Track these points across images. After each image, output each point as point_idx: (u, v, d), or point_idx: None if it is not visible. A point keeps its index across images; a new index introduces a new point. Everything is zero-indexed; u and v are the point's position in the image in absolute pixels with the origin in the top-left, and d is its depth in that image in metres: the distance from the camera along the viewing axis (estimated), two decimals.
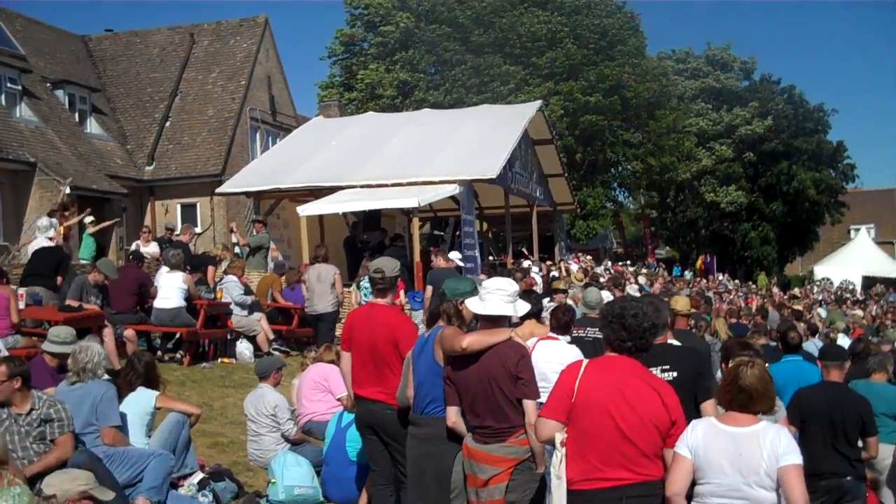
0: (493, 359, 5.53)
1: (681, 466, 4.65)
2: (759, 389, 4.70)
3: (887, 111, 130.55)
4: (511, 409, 5.47)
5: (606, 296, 11.80)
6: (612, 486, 4.63)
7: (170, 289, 13.20)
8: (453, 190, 19.47)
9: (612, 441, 4.64)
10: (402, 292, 11.11)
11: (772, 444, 4.55)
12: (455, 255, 16.75)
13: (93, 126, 30.44)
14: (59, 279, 12.80)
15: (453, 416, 5.79)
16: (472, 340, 5.58)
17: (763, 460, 4.53)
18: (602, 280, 21.33)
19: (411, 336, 6.64)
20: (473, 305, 5.85)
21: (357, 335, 6.84)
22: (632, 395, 4.68)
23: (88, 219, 17.93)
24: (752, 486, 4.54)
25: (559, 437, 4.76)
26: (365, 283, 15.92)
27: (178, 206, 30.12)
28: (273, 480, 8.01)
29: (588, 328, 9.19)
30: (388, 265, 7.07)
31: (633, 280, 24.81)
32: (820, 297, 35.08)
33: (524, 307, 6.00)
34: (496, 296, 5.71)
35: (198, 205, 29.90)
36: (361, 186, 19.52)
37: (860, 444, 7.00)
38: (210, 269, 15.96)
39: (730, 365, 4.88)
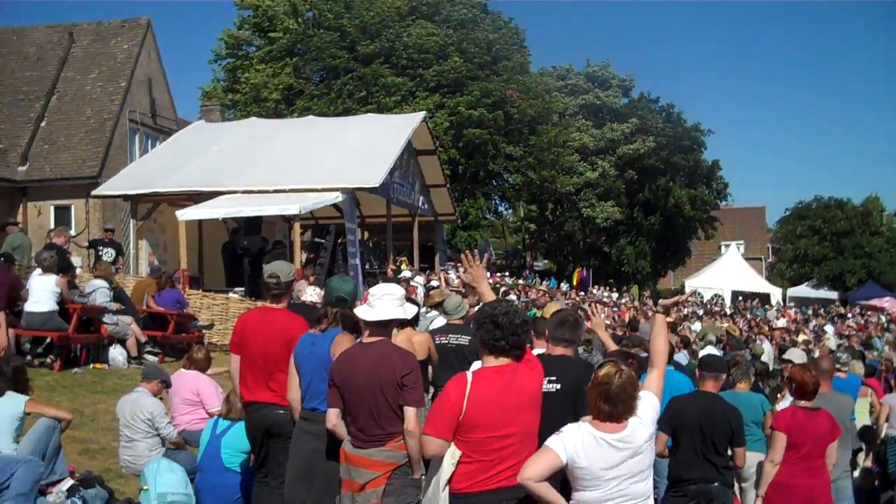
0: (382, 365, 5.57)
1: (547, 460, 4.64)
2: (625, 396, 4.71)
3: (757, 132, 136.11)
4: (392, 415, 5.51)
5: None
6: (496, 489, 4.80)
7: (42, 292, 12.85)
8: (335, 198, 19.48)
9: (498, 454, 4.83)
10: None
11: (647, 435, 4.76)
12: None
13: None
14: None
15: (334, 418, 5.75)
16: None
17: (647, 458, 4.75)
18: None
19: None
20: (363, 313, 5.85)
21: (249, 338, 6.75)
22: (517, 410, 4.88)
23: None
24: (637, 483, 4.73)
25: (455, 454, 4.86)
26: None
27: (52, 208, 29.17)
28: (145, 487, 7.85)
29: (450, 335, 9.24)
30: (283, 270, 7.00)
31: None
32: (689, 311, 36.05)
33: (412, 309, 6.13)
34: (385, 301, 5.78)
35: (72, 207, 29.02)
36: (242, 192, 19.37)
37: (729, 452, 7.20)
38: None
39: (598, 373, 4.81)
